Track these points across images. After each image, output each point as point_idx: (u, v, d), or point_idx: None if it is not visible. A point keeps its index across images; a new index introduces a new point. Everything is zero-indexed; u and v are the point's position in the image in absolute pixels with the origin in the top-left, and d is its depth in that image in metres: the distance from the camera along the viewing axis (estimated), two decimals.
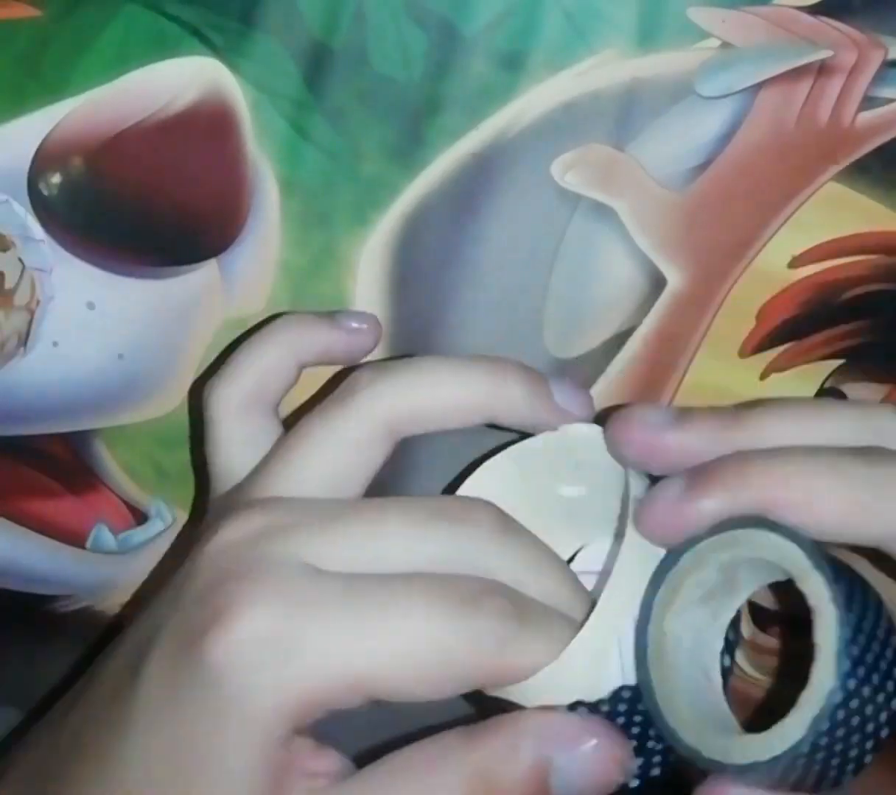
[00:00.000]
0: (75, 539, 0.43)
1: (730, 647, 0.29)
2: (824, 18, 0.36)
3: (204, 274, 0.39)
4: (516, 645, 0.27)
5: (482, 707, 0.28)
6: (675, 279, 0.38)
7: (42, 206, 0.39)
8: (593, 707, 0.27)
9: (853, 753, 0.25)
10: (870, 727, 0.25)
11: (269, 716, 0.26)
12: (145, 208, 0.39)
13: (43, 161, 0.38)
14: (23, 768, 0.31)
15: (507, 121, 0.37)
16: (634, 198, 0.37)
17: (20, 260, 0.39)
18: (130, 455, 0.42)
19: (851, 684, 0.25)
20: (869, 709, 0.25)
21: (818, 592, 0.25)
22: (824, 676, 0.25)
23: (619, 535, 0.29)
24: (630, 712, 0.27)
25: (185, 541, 0.42)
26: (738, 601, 0.29)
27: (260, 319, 0.39)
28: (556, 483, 0.32)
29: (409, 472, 0.40)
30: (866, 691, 0.25)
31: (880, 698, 0.25)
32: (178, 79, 0.38)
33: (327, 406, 0.31)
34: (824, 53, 0.36)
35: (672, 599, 0.28)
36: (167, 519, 0.43)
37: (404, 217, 0.38)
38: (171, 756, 0.27)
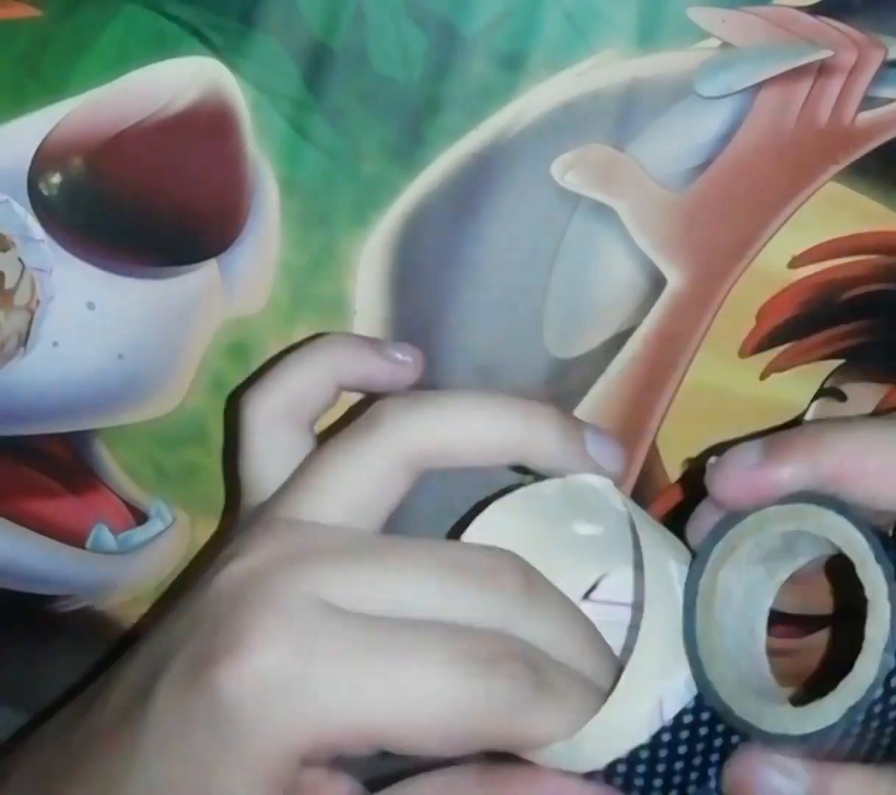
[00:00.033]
0: (75, 539, 0.43)
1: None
2: (824, 18, 0.36)
3: (204, 274, 0.39)
4: (530, 715, 0.27)
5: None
6: (675, 279, 0.38)
7: (42, 206, 0.39)
8: (610, 769, 0.27)
9: (884, 742, 0.26)
10: None
11: (277, 757, 0.26)
12: (145, 208, 0.39)
13: (43, 161, 0.38)
14: (28, 771, 0.31)
15: (507, 121, 0.37)
16: (634, 198, 0.37)
17: (20, 260, 0.39)
18: (130, 455, 0.42)
19: (894, 682, 0.25)
20: None
21: (877, 585, 0.26)
22: (868, 669, 0.25)
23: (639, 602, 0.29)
24: (649, 773, 0.27)
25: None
26: (797, 564, 0.29)
27: (262, 319, 0.40)
28: (571, 522, 0.32)
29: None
30: None
31: None
32: (178, 79, 0.38)
33: (352, 432, 0.31)
34: (824, 53, 0.36)
35: (728, 556, 0.28)
36: (167, 519, 0.43)
37: (404, 217, 0.38)
38: (177, 785, 0.27)
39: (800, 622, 0.35)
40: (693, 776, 0.28)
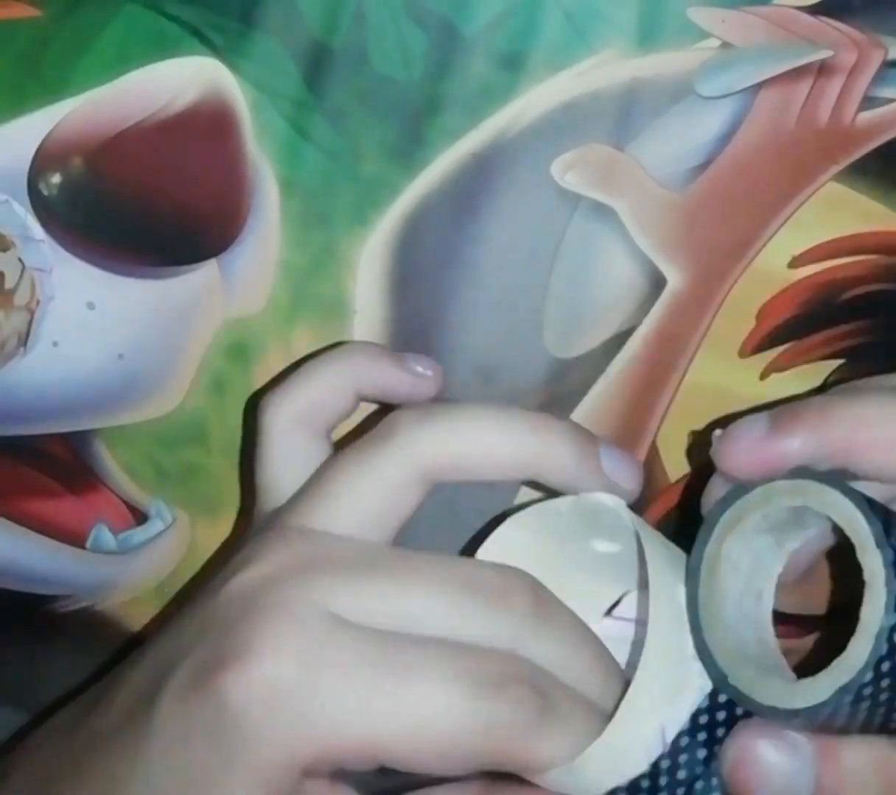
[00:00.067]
0: (75, 539, 0.43)
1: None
2: (824, 18, 0.36)
3: (204, 274, 0.39)
4: (533, 739, 0.27)
5: None
6: (675, 279, 0.38)
7: (42, 206, 0.39)
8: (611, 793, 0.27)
9: (875, 720, 0.26)
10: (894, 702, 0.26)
11: (279, 766, 0.26)
12: (145, 208, 0.39)
13: (43, 161, 0.38)
14: (28, 772, 0.31)
15: (507, 121, 0.37)
16: (634, 198, 0.37)
17: (20, 260, 0.39)
18: (130, 455, 0.42)
19: (885, 666, 0.25)
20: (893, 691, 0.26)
21: (875, 571, 0.26)
22: (860, 651, 0.25)
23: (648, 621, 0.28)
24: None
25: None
26: (806, 535, 0.29)
27: (262, 319, 0.40)
28: (588, 539, 0.31)
29: None
30: None
31: None
32: (178, 79, 0.38)
33: (366, 443, 0.30)
34: (824, 53, 0.36)
35: (734, 526, 0.28)
36: (167, 519, 0.43)
37: (404, 217, 0.38)
38: (180, 789, 0.27)
39: (800, 622, 0.35)
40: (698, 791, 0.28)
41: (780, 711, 0.26)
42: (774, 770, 0.26)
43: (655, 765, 0.27)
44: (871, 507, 0.26)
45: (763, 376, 0.39)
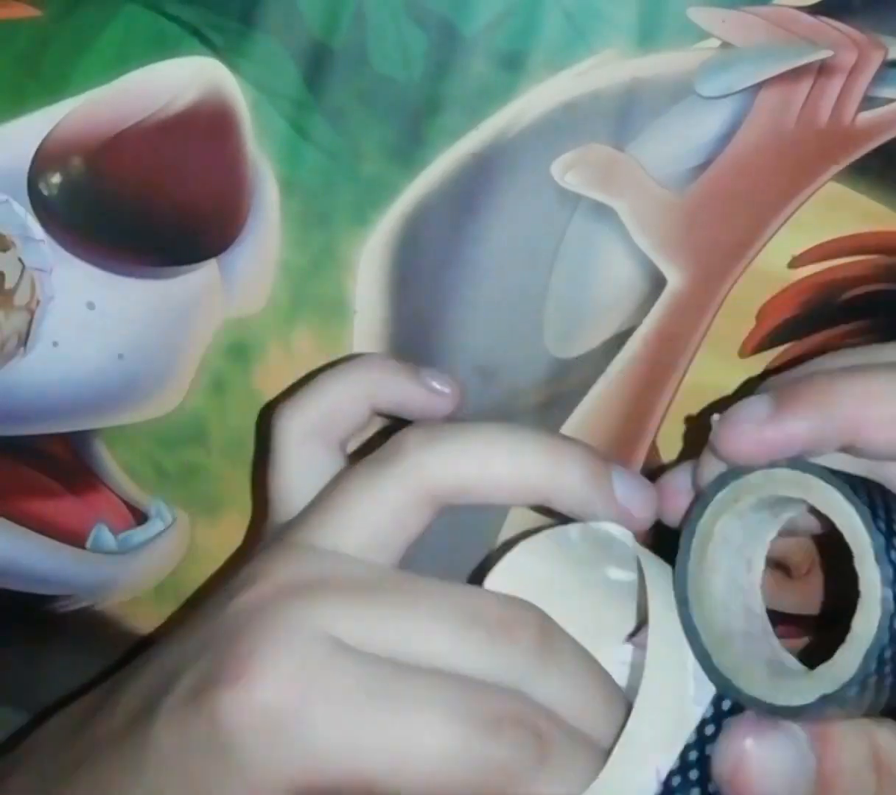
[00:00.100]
0: (75, 539, 0.43)
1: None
2: (824, 18, 0.36)
3: (204, 274, 0.39)
4: (526, 784, 0.26)
5: None
6: (675, 279, 0.38)
7: (42, 206, 0.39)
8: None
9: (858, 716, 0.26)
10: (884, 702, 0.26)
11: (271, 790, 0.26)
12: (145, 208, 0.39)
13: (43, 161, 0.39)
14: (28, 772, 0.31)
15: (507, 121, 0.37)
16: (634, 198, 0.37)
17: (20, 260, 0.39)
18: (130, 455, 0.42)
19: (871, 681, 0.25)
20: (884, 695, 0.26)
21: (871, 585, 0.25)
22: (848, 666, 0.25)
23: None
24: None
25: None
26: (801, 509, 0.28)
27: (262, 319, 0.40)
28: (603, 567, 0.31)
29: None
30: (888, 680, 0.25)
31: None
32: (178, 79, 0.38)
33: (374, 462, 0.30)
34: (824, 53, 0.36)
35: (730, 506, 0.27)
36: (167, 519, 0.43)
37: (404, 217, 0.38)
38: None
39: (800, 622, 0.35)
40: None
41: (760, 703, 0.26)
42: (772, 766, 0.26)
43: None
44: (871, 512, 0.26)
45: (763, 376, 0.39)
